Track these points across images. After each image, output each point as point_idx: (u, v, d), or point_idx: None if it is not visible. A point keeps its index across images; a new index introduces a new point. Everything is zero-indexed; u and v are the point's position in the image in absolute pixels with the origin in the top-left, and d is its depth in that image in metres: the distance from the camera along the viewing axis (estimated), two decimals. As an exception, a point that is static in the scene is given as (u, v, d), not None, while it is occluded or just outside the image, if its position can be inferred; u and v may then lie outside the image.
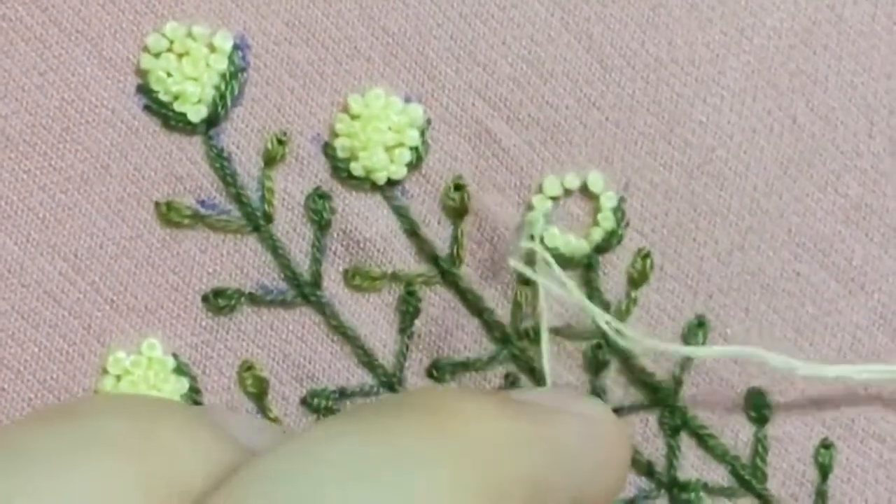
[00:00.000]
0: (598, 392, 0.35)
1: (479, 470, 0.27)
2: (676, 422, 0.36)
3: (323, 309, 0.35)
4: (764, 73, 0.35)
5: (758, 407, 0.36)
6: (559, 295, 0.34)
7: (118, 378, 0.35)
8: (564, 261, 0.35)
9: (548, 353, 0.34)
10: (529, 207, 0.35)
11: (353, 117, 0.35)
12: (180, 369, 0.35)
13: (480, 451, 0.27)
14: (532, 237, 0.35)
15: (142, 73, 0.35)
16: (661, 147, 0.35)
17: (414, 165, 0.35)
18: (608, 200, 0.35)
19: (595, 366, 0.35)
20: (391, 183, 0.35)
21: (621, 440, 0.32)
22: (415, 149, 0.35)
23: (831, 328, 0.35)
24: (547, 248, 0.35)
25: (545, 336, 0.34)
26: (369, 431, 0.27)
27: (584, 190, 0.35)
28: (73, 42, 0.35)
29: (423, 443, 0.27)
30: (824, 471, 0.36)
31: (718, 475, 0.36)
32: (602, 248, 0.35)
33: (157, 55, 0.35)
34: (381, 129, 0.35)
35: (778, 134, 0.35)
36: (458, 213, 0.35)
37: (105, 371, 0.35)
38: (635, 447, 0.36)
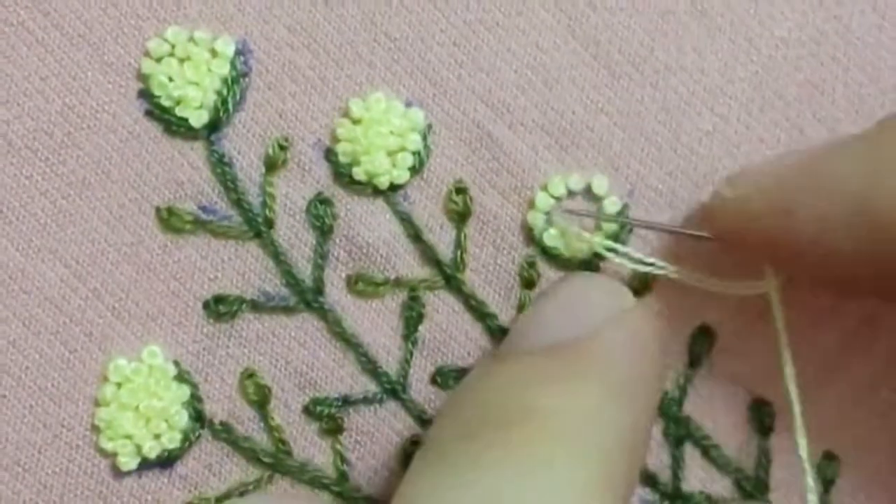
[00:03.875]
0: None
1: (577, 462, 0.29)
2: (680, 432, 0.35)
3: (325, 315, 0.35)
4: (771, 84, 0.35)
5: (761, 418, 0.35)
6: None
7: (119, 385, 0.35)
8: (564, 262, 0.35)
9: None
10: (531, 205, 0.35)
11: (355, 122, 0.35)
12: (181, 377, 0.35)
13: (568, 445, 0.29)
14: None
15: (143, 77, 0.35)
16: (668, 155, 0.35)
17: (416, 170, 0.35)
18: (611, 206, 0.35)
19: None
20: (393, 188, 0.35)
21: (651, 328, 0.32)
22: (417, 153, 0.35)
23: None
24: (546, 249, 0.35)
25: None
26: (460, 474, 0.29)
27: (588, 193, 0.35)
28: (75, 46, 0.35)
29: (512, 461, 0.29)
30: (827, 483, 0.35)
31: (722, 486, 0.36)
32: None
33: (158, 60, 0.35)
34: (383, 133, 0.35)
35: (785, 144, 0.35)
36: (461, 216, 0.35)
37: (106, 378, 0.35)
38: None
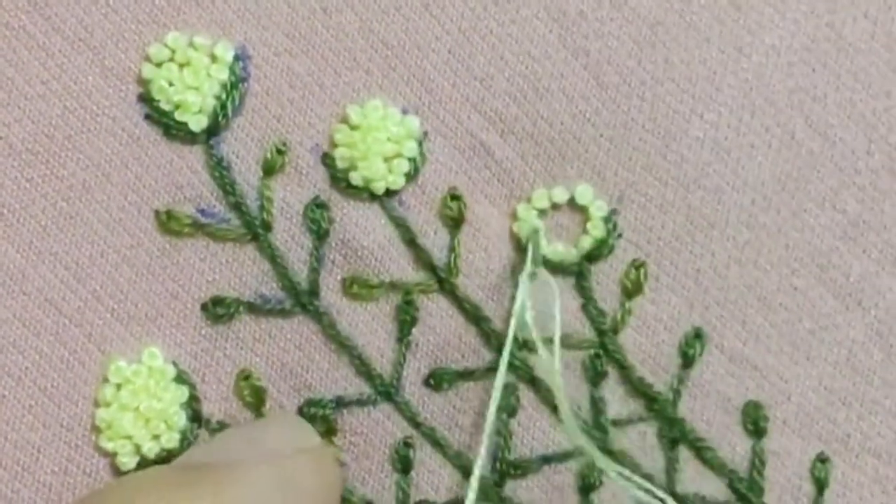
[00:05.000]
0: (596, 403, 0.35)
1: None
2: (675, 434, 0.36)
3: (321, 318, 0.35)
4: (762, 90, 0.35)
5: (755, 420, 0.36)
6: (551, 304, 0.35)
7: (118, 387, 0.35)
8: (554, 267, 0.35)
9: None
10: (514, 216, 0.35)
11: (353, 128, 0.35)
12: (180, 378, 0.35)
13: None
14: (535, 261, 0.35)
15: (143, 82, 0.35)
16: (657, 161, 0.35)
17: (411, 176, 0.35)
18: (598, 210, 0.35)
19: (594, 376, 0.36)
20: (389, 193, 0.35)
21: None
22: (413, 160, 0.35)
23: (828, 343, 0.35)
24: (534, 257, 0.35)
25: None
26: None
27: (573, 203, 0.36)
28: (76, 51, 0.35)
29: None
30: (820, 485, 0.36)
31: (716, 488, 0.36)
32: (593, 256, 0.35)
33: (158, 65, 0.35)
34: (380, 139, 0.35)
35: (776, 150, 0.35)
36: (455, 222, 0.35)
37: (106, 379, 0.35)
38: (635, 459, 0.36)
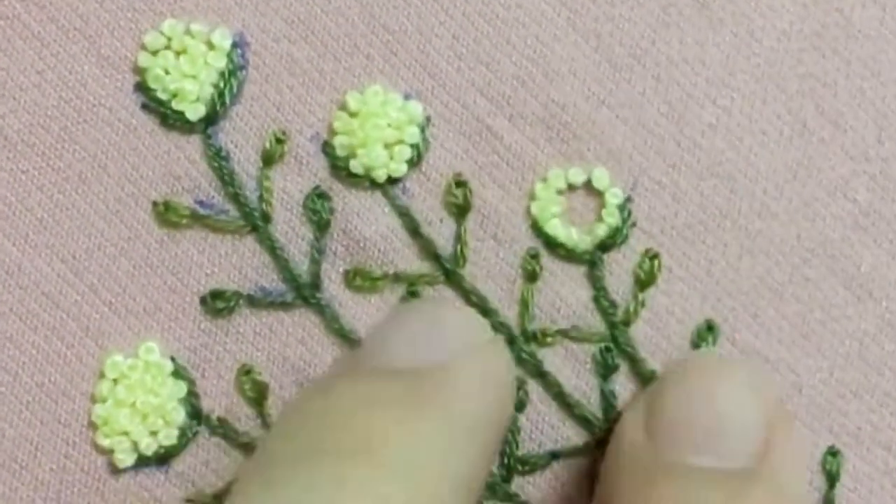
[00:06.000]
0: (607, 397, 0.35)
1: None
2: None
3: (323, 311, 0.35)
4: (774, 76, 0.35)
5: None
6: (567, 295, 0.34)
7: (115, 382, 0.35)
8: (566, 254, 0.35)
9: None
10: (532, 197, 0.35)
11: (352, 115, 0.35)
12: (178, 373, 0.35)
13: (403, 484, 0.29)
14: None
15: (140, 70, 0.35)
16: (671, 148, 0.35)
17: (414, 163, 0.35)
18: (613, 197, 0.35)
19: (604, 369, 0.35)
20: (391, 181, 0.35)
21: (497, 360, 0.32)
22: (415, 146, 0.35)
23: (839, 335, 0.35)
24: (549, 238, 0.35)
25: None
26: None
27: (588, 186, 0.35)
28: (71, 40, 0.34)
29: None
30: (831, 478, 0.35)
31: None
32: (606, 245, 0.35)
33: (154, 53, 0.35)
34: (380, 125, 0.34)
35: (788, 137, 0.35)
36: (460, 210, 0.35)
37: (102, 375, 0.35)
38: None
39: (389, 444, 0.29)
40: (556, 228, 0.35)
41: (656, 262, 0.35)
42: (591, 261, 0.35)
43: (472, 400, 0.31)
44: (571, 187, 0.35)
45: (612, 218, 0.35)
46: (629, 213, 0.35)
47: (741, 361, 0.35)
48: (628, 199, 0.35)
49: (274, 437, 0.32)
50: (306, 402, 0.32)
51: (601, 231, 0.35)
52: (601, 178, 0.35)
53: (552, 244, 0.35)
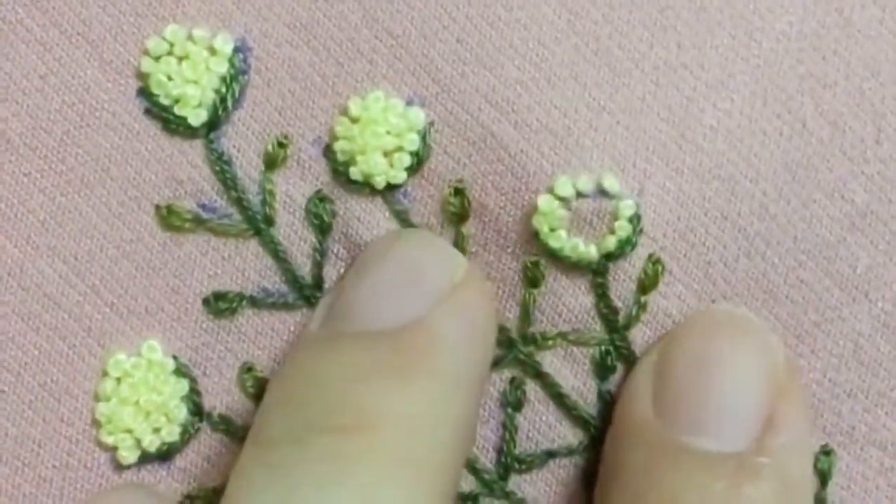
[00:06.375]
0: (603, 397, 0.35)
1: (411, 480, 0.30)
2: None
3: (324, 311, 0.35)
4: (773, 77, 0.35)
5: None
6: (569, 300, 0.34)
7: (118, 380, 0.35)
8: (569, 265, 0.35)
9: None
10: (534, 209, 0.34)
11: (353, 120, 0.35)
12: (180, 371, 0.35)
13: (402, 460, 0.30)
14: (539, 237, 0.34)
15: (142, 76, 0.34)
16: (673, 151, 0.35)
17: (414, 170, 0.35)
18: (626, 209, 0.34)
19: (603, 371, 0.35)
20: (391, 187, 0.35)
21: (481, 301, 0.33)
22: (415, 153, 0.35)
23: (833, 336, 0.35)
24: (553, 251, 0.35)
25: None
26: (286, 493, 0.30)
27: (597, 194, 0.34)
28: (74, 45, 0.34)
29: (343, 480, 0.30)
30: (824, 477, 0.36)
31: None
32: (614, 255, 0.35)
33: (157, 58, 0.34)
34: (380, 133, 0.34)
35: (787, 138, 0.35)
36: (458, 218, 0.35)
37: (105, 373, 0.35)
38: None
39: (381, 417, 0.30)
40: (561, 240, 0.34)
41: (659, 267, 0.35)
42: (596, 269, 0.35)
43: (455, 353, 0.32)
44: (580, 195, 0.34)
45: (623, 231, 0.34)
46: (639, 220, 0.35)
47: (749, 322, 0.35)
48: (639, 209, 0.34)
49: (269, 413, 0.33)
50: (296, 376, 0.33)
51: (611, 244, 0.34)
52: (612, 185, 0.34)
53: (556, 256, 0.35)
